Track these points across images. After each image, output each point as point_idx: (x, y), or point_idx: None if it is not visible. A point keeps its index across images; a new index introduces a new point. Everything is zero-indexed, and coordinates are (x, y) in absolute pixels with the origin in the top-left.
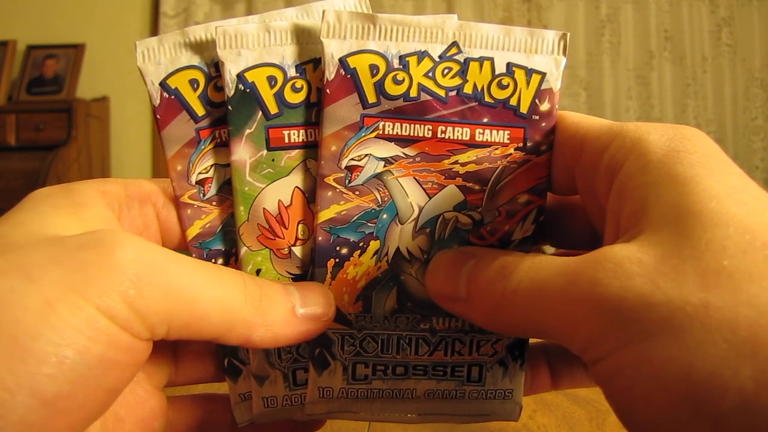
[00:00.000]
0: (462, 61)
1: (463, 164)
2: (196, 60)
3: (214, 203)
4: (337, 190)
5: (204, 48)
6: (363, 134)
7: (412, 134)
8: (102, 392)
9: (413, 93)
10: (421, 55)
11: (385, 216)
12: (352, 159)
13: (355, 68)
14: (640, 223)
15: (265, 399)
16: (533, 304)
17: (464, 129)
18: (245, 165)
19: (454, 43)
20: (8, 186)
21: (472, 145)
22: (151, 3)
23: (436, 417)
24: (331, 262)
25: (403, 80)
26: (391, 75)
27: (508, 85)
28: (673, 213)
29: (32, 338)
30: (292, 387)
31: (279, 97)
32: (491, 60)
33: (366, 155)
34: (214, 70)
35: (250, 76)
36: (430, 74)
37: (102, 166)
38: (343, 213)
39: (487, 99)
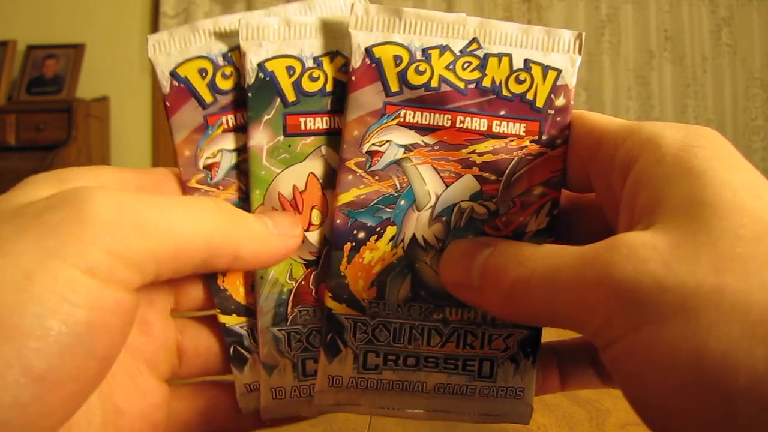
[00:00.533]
0: (481, 56)
1: (480, 154)
2: (204, 51)
3: (220, 187)
4: (358, 174)
5: (212, 40)
6: (385, 121)
7: (431, 123)
8: (93, 361)
9: (434, 83)
10: (443, 49)
11: (402, 202)
12: (373, 144)
13: (379, 58)
14: (655, 212)
15: (274, 389)
16: (547, 290)
17: (482, 120)
18: (263, 150)
19: (475, 39)
20: (8, 186)
21: (489, 135)
22: (151, 3)
23: (445, 415)
24: (347, 246)
25: (425, 71)
26: (413, 66)
27: (525, 80)
28: (689, 202)
29: (14, 313)
30: (301, 377)
31: (297, 85)
32: (509, 56)
33: (387, 141)
34: (222, 59)
35: (270, 66)
36: (451, 67)
37: None
38: (362, 197)
39: (504, 92)
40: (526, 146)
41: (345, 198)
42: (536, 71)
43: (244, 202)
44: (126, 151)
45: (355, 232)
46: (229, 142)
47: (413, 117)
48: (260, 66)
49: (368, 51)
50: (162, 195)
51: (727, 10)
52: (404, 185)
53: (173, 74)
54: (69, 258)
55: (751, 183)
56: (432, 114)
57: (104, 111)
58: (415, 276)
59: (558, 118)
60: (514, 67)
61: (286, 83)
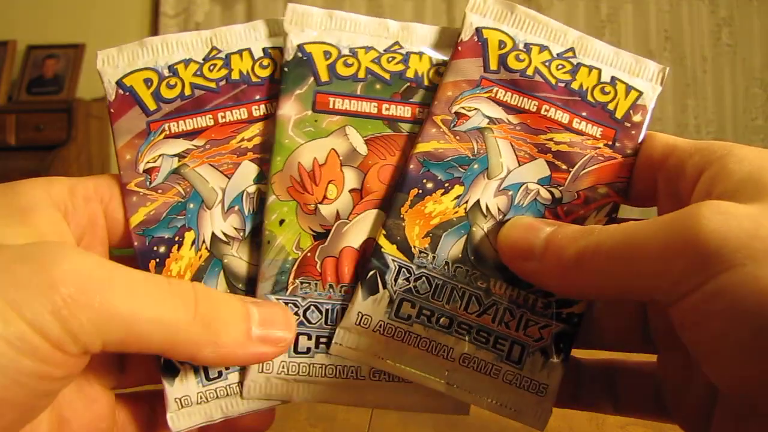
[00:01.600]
0: (575, 63)
1: (557, 143)
2: (151, 63)
3: (159, 191)
4: (441, 129)
5: (160, 54)
6: (478, 92)
7: (519, 105)
8: (36, 397)
9: (530, 72)
10: (543, 48)
11: (476, 166)
12: (462, 107)
13: (486, 38)
14: (735, 196)
15: (260, 364)
16: (621, 253)
17: (565, 114)
18: (290, 120)
19: (572, 48)
20: None
21: (568, 129)
22: (151, 3)
23: (463, 393)
24: (413, 191)
25: (524, 60)
26: (514, 53)
27: (609, 93)
28: None
29: None
30: (292, 354)
31: (331, 68)
32: (599, 70)
33: (475, 109)
34: (168, 71)
35: (308, 48)
36: (547, 63)
37: (102, 166)
38: (440, 150)
39: (589, 98)
40: (599, 148)
41: (424, 147)
42: (620, 88)
43: (183, 205)
44: None
45: (424, 180)
46: (170, 147)
47: (504, 96)
48: (300, 47)
49: (478, 30)
50: (130, 269)
51: (727, 10)
52: (481, 151)
53: (119, 83)
54: (25, 315)
55: None
56: (521, 97)
57: (104, 111)
58: (470, 239)
59: (632, 132)
60: (602, 80)
61: (321, 64)
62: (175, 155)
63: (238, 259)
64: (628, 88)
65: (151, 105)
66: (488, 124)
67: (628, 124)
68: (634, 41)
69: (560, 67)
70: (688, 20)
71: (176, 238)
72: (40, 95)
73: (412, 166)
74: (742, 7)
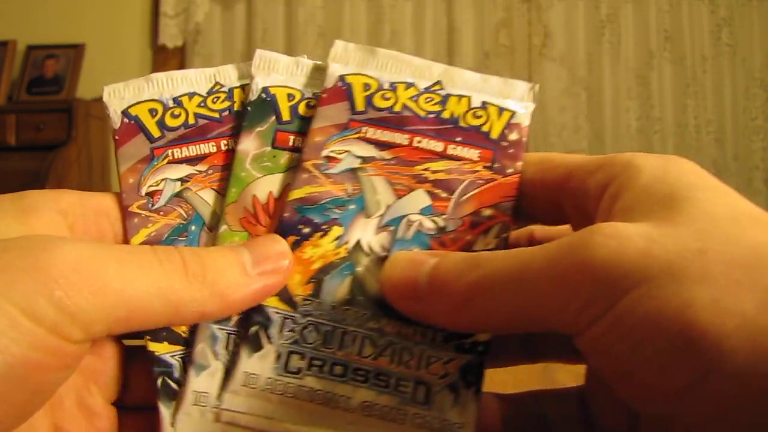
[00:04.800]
0: (443, 95)
1: (434, 171)
2: (156, 95)
3: (161, 213)
4: (313, 173)
5: (165, 88)
6: (347, 134)
7: (390, 141)
8: (26, 392)
9: (397, 108)
10: (409, 85)
11: (352, 206)
12: (332, 151)
13: (350, 83)
14: (633, 211)
15: (197, 393)
16: (515, 287)
17: (438, 142)
18: (248, 155)
19: (439, 82)
20: (8, 186)
21: (444, 156)
22: (150, 3)
23: None
24: (290, 239)
25: (390, 98)
26: (380, 93)
27: (481, 116)
28: (666, 200)
29: None
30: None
31: (293, 109)
32: (469, 97)
33: (346, 151)
34: (172, 102)
35: (273, 90)
36: (414, 98)
37: (102, 166)
38: (313, 194)
39: (461, 123)
40: (478, 170)
41: (297, 194)
42: (492, 110)
43: (185, 227)
44: None
45: (300, 226)
46: (173, 171)
47: (374, 134)
48: (264, 89)
49: (341, 77)
50: (124, 244)
51: (727, 10)
52: (356, 192)
53: (125, 113)
54: (15, 300)
55: (721, 186)
56: (392, 133)
57: (104, 111)
58: (355, 279)
59: (511, 150)
60: (473, 105)
61: (284, 106)
62: (178, 179)
63: None
64: (501, 110)
65: (156, 132)
66: (361, 164)
67: (505, 144)
68: (634, 41)
69: (429, 99)
70: (688, 20)
71: None
72: (40, 95)
73: (286, 215)
74: (742, 7)
